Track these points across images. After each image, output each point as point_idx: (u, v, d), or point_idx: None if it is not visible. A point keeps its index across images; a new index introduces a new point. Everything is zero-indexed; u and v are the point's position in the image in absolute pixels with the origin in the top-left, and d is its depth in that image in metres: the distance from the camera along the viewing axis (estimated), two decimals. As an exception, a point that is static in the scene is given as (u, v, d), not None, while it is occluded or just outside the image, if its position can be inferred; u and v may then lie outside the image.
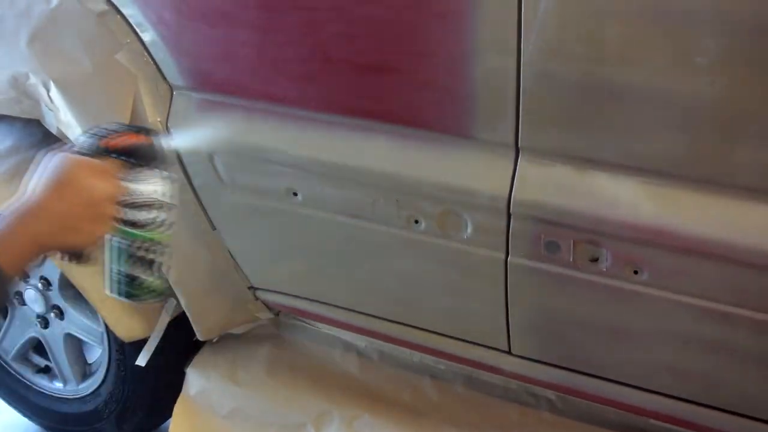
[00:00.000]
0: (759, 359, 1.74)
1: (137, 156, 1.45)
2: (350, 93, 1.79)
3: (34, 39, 2.02)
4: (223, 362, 2.59)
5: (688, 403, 1.94)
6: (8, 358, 2.87)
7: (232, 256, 2.33)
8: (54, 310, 2.63)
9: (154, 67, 2.00)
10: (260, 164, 1.98)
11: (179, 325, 2.45)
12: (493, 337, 2.07)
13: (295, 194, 1.99)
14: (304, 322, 2.60)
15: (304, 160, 1.91)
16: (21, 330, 2.79)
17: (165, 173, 1.48)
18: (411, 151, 1.78)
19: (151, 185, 1.45)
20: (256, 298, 2.47)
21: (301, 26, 1.73)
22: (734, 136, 1.44)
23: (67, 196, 1.34)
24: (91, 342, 2.65)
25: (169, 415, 2.52)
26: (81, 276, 2.36)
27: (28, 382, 2.89)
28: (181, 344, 2.60)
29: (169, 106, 2.03)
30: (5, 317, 2.80)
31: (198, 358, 2.61)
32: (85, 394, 2.75)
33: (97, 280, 2.38)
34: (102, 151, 1.42)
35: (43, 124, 2.17)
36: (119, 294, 1.53)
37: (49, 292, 2.60)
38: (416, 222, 1.88)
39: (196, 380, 2.56)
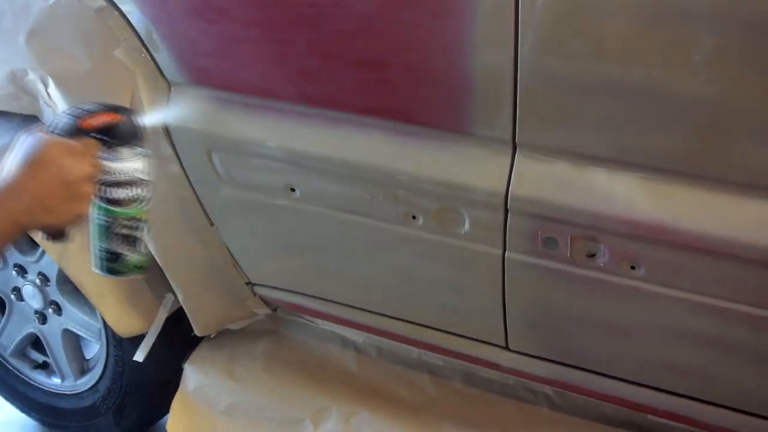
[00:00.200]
0: (755, 354, 1.74)
1: (114, 134, 1.46)
2: (348, 89, 1.80)
3: (32, 35, 2.02)
4: (220, 358, 2.59)
5: (686, 399, 1.95)
6: (6, 354, 2.87)
7: (229, 252, 2.33)
8: (52, 306, 2.63)
9: (152, 63, 2.00)
10: (258, 160, 1.98)
11: (177, 320, 2.45)
12: (491, 332, 2.08)
13: (293, 190, 2.00)
14: (301, 318, 2.60)
15: (302, 156, 1.91)
16: (19, 326, 2.79)
17: (142, 150, 1.49)
18: (409, 147, 1.78)
19: (129, 163, 1.46)
20: (254, 294, 2.47)
21: (299, 22, 1.73)
22: (730, 132, 1.45)
23: (42, 175, 1.34)
24: (89, 338, 2.65)
25: (167, 411, 2.52)
26: (79, 272, 2.36)
27: (26, 378, 2.88)
28: (178, 340, 2.60)
29: (167, 102, 2.04)
30: (3, 313, 2.80)
31: (196, 354, 2.61)
32: (83, 389, 2.75)
33: (95, 276, 2.39)
34: (79, 131, 1.43)
35: (42, 120, 2.17)
36: (103, 270, 1.55)
37: (47, 288, 2.60)
38: (414, 218, 1.88)
39: (193, 376, 2.56)
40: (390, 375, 2.49)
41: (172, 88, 2.03)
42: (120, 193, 1.47)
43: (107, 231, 1.50)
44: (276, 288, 2.40)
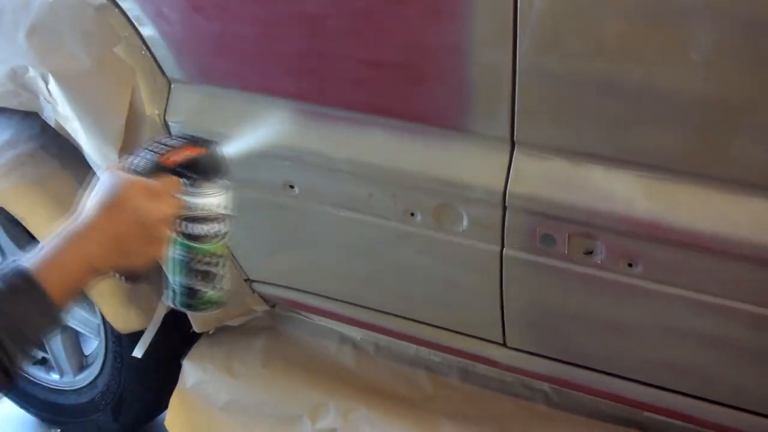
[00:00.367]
0: (753, 352, 1.74)
1: (197, 169, 1.42)
2: (347, 86, 1.80)
3: (33, 32, 2.03)
4: (219, 354, 2.60)
5: (683, 396, 1.95)
6: (5, 350, 2.87)
7: (228, 248, 2.33)
8: (51, 302, 2.62)
9: (152, 60, 2.01)
10: (257, 157, 1.98)
11: (176, 317, 2.45)
12: (489, 329, 2.08)
13: (292, 187, 2.00)
14: (300, 314, 2.61)
15: (301, 153, 1.92)
16: (18, 322, 2.78)
17: (225, 182, 1.45)
18: (408, 145, 1.79)
19: (211, 198, 1.43)
20: (253, 291, 2.47)
21: (299, 20, 1.74)
22: (728, 130, 1.45)
23: (119, 218, 1.30)
24: (88, 334, 2.65)
25: (166, 407, 2.53)
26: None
27: (24, 374, 2.88)
28: (177, 336, 2.60)
29: (167, 100, 2.04)
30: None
31: (194, 350, 2.62)
32: (82, 385, 2.75)
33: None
34: (160, 169, 1.38)
35: (42, 116, 2.18)
36: (179, 305, 1.51)
37: (47, 284, 2.59)
38: (412, 215, 1.89)
39: (192, 372, 2.56)
40: (388, 372, 2.49)
41: (172, 86, 2.04)
42: (200, 229, 1.43)
43: (185, 266, 1.46)
44: (274, 285, 2.40)
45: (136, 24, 1.96)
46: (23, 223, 2.37)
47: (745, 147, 1.46)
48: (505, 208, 1.74)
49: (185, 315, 2.43)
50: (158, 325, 2.45)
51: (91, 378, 2.71)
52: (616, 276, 1.73)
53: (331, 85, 1.82)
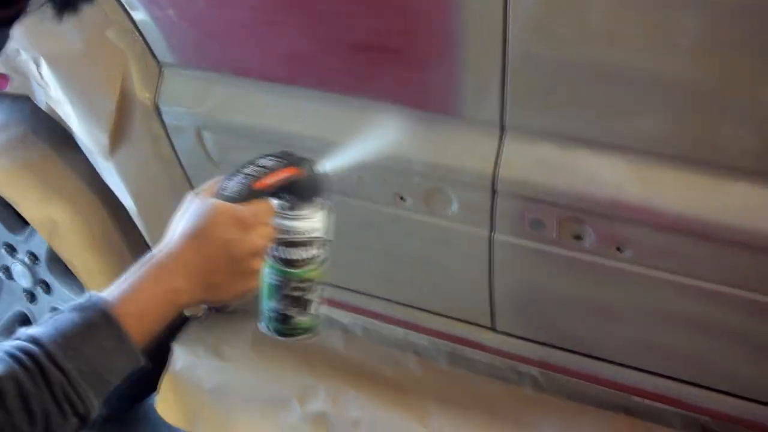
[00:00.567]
0: (742, 337, 1.76)
1: (294, 191, 1.34)
2: (338, 71, 1.81)
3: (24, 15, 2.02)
4: (209, 338, 2.60)
5: (672, 380, 1.96)
6: (-6, 333, 2.88)
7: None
8: (41, 285, 2.63)
9: (144, 44, 2.01)
10: (249, 141, 1.99)
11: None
12: (478, 313, 2.09)
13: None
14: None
15: (291, 136, 1.92)
16: (7, 304, 2.80)
17: (323, 203, 1.38)
18: (398, 129, 1.79)
19: (307, 222, 1.36)
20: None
21: (290, 4, 1.74)
22: (717, 115, 1.46)
23: (206, 250, 1.22)
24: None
25: (155, 390, 2.53)
26: (69, 251, 2.37)
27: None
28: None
29: (158, 83, 2.04)
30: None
31: (184, 334, 2.61)
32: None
33: (85, 257, 2.40)
34: (254, 194, 1.29)
35: (33, 100, 2.18)
36: (270, 331, 1.44)
37: (37, 267, 2.61)
38: (402, 199, 1.89)
39: (182, 355, 2.57)
40: (376, 355, 2.49)
41: (164, 70, 2.04)
42: (295, 254, 1.37)
43: (278, 291, 1.40)
44: (264, 269, 2.40)
45: (127, 8, 1.95)
46: (14, 207, 2.37)
47: (733, 132, 1.47)
48: (494, 193, 1.75)
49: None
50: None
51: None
52: (605, 260, 1.74)
53: (321, 69, 1.82)
